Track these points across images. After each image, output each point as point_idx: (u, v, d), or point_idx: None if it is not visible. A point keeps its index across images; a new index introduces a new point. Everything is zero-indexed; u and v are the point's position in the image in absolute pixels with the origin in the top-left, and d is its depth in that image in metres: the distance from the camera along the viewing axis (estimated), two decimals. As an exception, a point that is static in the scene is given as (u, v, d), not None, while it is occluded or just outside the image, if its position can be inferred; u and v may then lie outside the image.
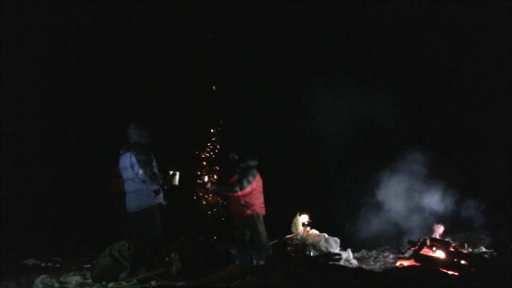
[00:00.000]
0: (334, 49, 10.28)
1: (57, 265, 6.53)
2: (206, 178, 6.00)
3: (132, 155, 5.05)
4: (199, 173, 6.24)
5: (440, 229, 5.76)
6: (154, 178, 5.02)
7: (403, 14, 9.24)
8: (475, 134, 8.68)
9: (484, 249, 6.15)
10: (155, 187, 5.11)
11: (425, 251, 5.05)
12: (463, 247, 5.55)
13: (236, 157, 6.00)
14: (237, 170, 5.96)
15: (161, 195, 5.17)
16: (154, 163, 5.22)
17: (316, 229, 6.41)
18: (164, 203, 5.28)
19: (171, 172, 5.21)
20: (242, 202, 5.82)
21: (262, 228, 5.81)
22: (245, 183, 5.79)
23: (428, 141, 8.85)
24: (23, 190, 8.79)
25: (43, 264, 6.60)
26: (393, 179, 6.65)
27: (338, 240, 5.89)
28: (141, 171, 4.98)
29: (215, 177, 6.20)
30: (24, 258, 6.80)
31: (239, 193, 5.79)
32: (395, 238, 7.09)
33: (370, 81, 9.86)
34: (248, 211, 5.81)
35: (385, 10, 9.22)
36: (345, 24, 10.30)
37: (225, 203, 6.20)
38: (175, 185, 5.32)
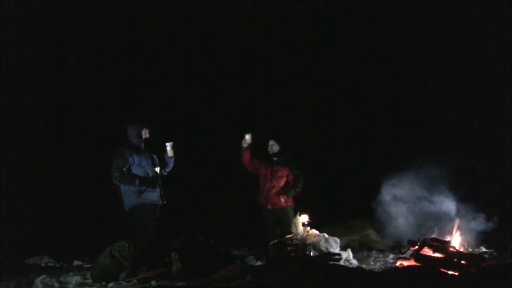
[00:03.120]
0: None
1: (57, 265, 6.52)
2: (247, 136, 6.07)
3: None
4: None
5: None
6: (122, 181, 5.19)
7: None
8: (475, 135, 8.64)
9: (484, 249, 6.14)
10: (141, 187, 5.19)
11: (425, 251, 5.05)
12: (463, 247, 5.55)
13: (278, 149, 6.20)
14: (275, 160, 6.18)
15: (148, 194, 5.28)
16: (144, 163, 5.29)
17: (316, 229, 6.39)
18: (158, 203, 5.35)
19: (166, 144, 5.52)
20: (280, 192, 6.06)
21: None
22: (302, 178, 6.13)
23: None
24: (23, 190, 8.78)
25: (43, 264, 6.60)
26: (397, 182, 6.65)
27: (338, 240, 5.88)
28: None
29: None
30: (24, 258, 6.80)
31: (279, 183, 6.09)
32: (396, 239, 7.08)
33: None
34: (283, 203, 6.04)
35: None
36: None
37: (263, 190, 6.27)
38: (171, 157, 5.57)
